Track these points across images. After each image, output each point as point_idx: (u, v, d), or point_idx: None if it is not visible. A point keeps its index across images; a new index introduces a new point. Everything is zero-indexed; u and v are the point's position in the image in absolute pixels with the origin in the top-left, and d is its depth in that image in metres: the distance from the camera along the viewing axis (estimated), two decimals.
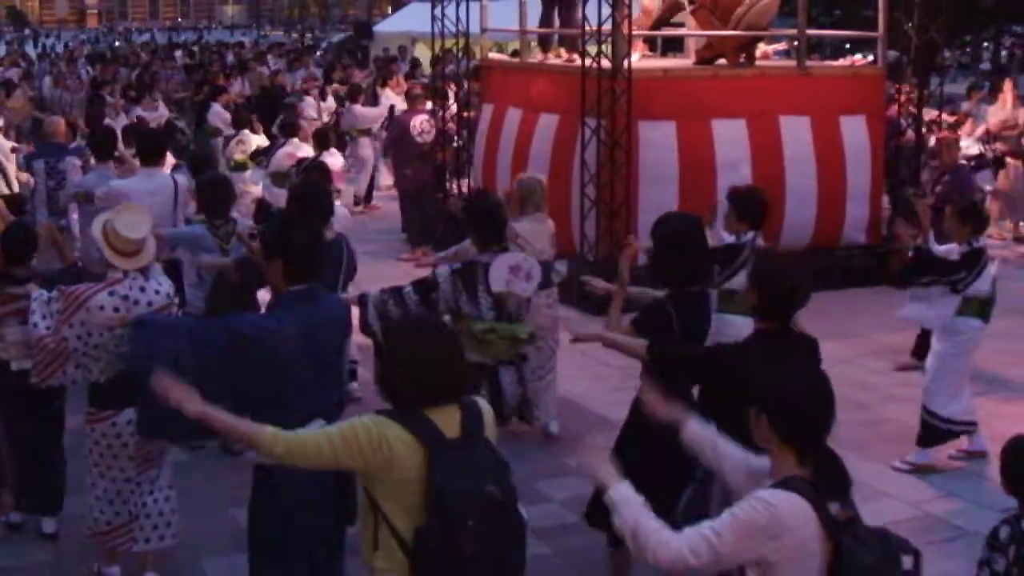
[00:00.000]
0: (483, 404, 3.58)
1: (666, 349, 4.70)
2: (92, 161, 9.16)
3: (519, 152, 11.61)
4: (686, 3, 11.67)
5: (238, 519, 5.23)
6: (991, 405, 7.78)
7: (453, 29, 13.40)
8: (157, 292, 5.14)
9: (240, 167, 12.98)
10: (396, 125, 13.70)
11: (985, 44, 33.30)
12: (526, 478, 6.68)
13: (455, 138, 13.96)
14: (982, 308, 6.98)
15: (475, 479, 3.32)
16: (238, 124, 14.08)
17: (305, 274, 4.34)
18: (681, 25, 12.42)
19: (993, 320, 7.08)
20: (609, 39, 10.52)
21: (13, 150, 11.01)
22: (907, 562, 3.25)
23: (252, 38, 52.26)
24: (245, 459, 5.85)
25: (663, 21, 12.15)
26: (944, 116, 13.74)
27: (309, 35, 53.57)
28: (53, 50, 39.21)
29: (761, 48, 11.92)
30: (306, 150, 11.48)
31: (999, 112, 14.35)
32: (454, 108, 14.15)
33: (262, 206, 11.31)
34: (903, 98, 12.82)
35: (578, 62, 10.74)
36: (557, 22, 12.33)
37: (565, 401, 7.85)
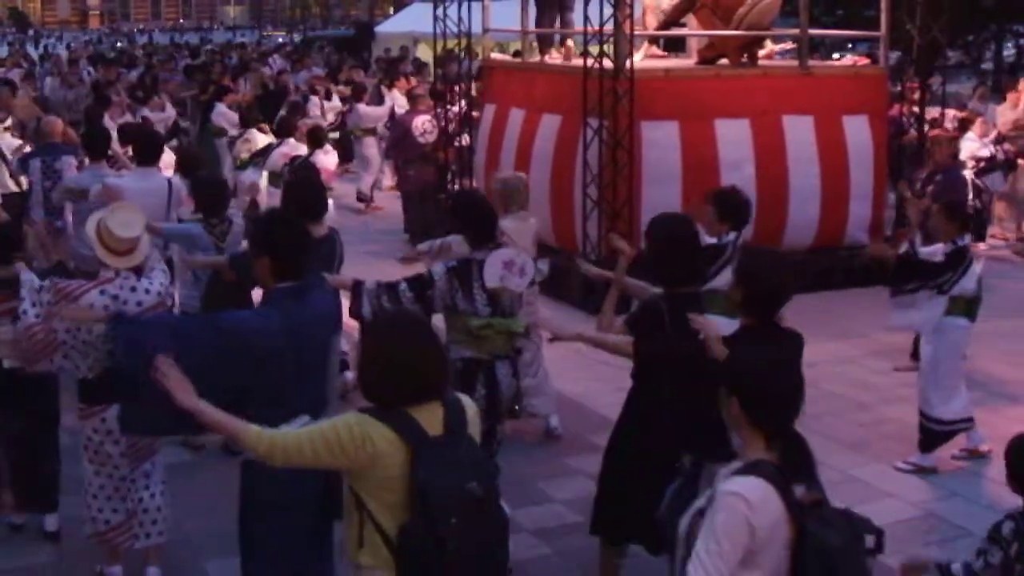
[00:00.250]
0: (466, 401, 3.58)
1: (652, 346, 4.70)
2: (87, 161, 9.16)
3: (522, 152, 11.60)
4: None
5: None
6: (992, 406, 7.77)
7: (455, 29, 13.40)
8: (147, 291, 5.14)
9: (246, 166, 12.98)
10: (398, 126, 13.69)
11: (986, 43, 33.24)
12: (527, 478, 6.70)
13: (458, 138, 13.93)
14: (968, 307, 6.96)
15: (457, 476, 3.33)
16: (246, 124, 14.08)
17: (292, 271, 4.31)
18: (683, 25, 12.40)
19: (994, 321, 7.08)
20: (611, 39, 10.52)
21: (18, 148, 10.98)
22: (870, 541, 3.33)
23: (254, 39, 52.28)
24: (246, 459, 5.83)
25: (674, 21, 12.10)
26: (955, 112, 13.70)
27: (299, 36, 53.28)
28: (55, 51, 39.17)
29: (766, 47, 11.90)
30: (302, 150, 11.47)
31: (1008, 112, 14.30)
32: (455, 109, 14.13)
33: (254, 205, 11.31)
34: (914, 96, 12.77)
35: (576, 62, 10.72)
36: (558, 22, 12.32)
37: (565, 401, 7.84)
